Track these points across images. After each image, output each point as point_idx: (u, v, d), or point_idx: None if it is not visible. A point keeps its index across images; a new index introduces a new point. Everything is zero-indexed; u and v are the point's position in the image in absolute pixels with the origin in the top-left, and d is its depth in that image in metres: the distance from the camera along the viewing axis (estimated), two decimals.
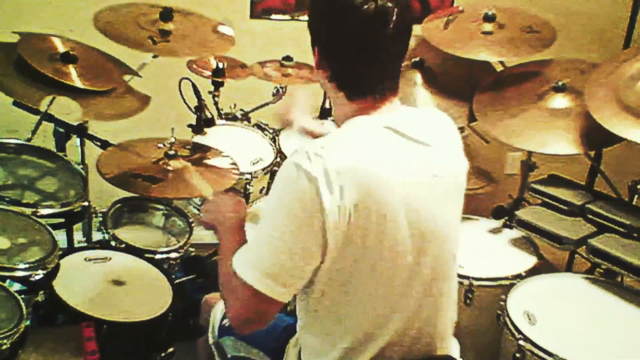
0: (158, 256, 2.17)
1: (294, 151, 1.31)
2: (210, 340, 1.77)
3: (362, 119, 1.35)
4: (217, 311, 1.78)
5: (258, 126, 2.82)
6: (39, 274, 1.74)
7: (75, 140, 2.35)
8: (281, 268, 1.27)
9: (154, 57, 2.46)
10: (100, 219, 2.26)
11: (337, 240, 1.25)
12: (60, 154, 2.26)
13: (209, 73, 2.74)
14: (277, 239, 1.27)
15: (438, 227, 1.37)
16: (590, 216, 2.30)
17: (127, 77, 2.45)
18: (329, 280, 1.31)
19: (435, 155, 1.38)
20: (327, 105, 2.98)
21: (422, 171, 1.35)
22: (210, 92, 2.76)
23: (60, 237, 1.92)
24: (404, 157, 1.34)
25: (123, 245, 2.16)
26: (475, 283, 2.16)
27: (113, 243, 2.19)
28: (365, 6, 1.28)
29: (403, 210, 1.30)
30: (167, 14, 2.35)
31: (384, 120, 1.35)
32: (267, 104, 2.88)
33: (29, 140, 2.20)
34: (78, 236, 2.41)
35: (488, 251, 2.39)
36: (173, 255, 2.21)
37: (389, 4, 1.30)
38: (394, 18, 1.30)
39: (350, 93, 1.37)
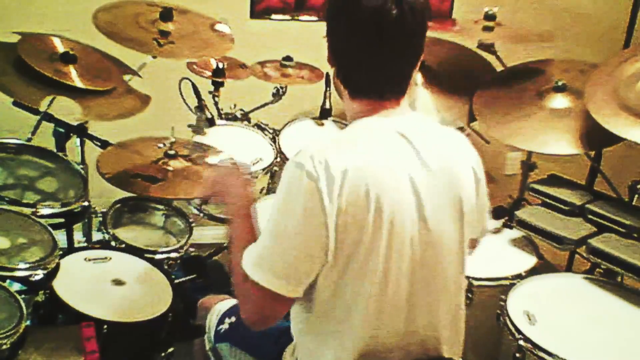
0: (158, 256, 2.16)
1: (298, 151, 1.32)
2: (207, 346, 1.78)
3: (371, 121, 1.35)
4: (213, 316, 1.78)
5: (258, 126, 2.82)
6: (39, 274, 1.74)
7: (75, 140, 2.35)
8: (290, 266, 1.28)
9: (154, 57, 2.46)
10: (100, 219, 2.26)
11: (335, 239, 1.26)
12: (60, 154, 2.26)
13: (209, 73, 2.74)
14: (283, 238, 1.28)
15: (436, 236, 1.35)
16: (590, 216, 2.30)
17: (127, 77, 2.44)
18: (324, 279, 1.31)
19: (441, 169, 1.35)
20: (327, 106, 2.98)
21: (424, 181, 1.33)
22: (210, 92, 2.76)
23: (60, 237, 1.92)
24: (410, 163, 1.32)
25: (123, 245, 2.16)
26: (475, 283, 2.16)
27: (113, 243, 2.18)
28: (366, 2, 1.28)
29: (402, 214, 1.29)
30: (167, 13, 2.34)
31: (394, 125, 1.34)
32: (267, 104, 2.89)
33: (29, 140, 2.20)
34: (78, 236, 2.40)
35: (488, 251, 2.37)
36: (173, 255, 2.20)
37: (390, 3, 1.27)
38: (394, 17, 1.28)
39: (351, 90, 1.38)
